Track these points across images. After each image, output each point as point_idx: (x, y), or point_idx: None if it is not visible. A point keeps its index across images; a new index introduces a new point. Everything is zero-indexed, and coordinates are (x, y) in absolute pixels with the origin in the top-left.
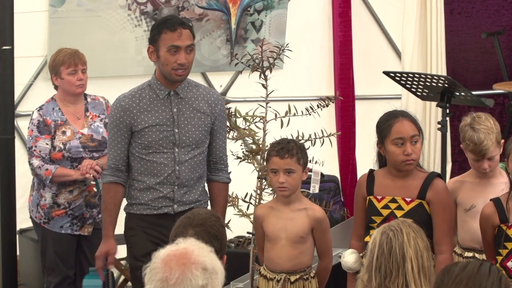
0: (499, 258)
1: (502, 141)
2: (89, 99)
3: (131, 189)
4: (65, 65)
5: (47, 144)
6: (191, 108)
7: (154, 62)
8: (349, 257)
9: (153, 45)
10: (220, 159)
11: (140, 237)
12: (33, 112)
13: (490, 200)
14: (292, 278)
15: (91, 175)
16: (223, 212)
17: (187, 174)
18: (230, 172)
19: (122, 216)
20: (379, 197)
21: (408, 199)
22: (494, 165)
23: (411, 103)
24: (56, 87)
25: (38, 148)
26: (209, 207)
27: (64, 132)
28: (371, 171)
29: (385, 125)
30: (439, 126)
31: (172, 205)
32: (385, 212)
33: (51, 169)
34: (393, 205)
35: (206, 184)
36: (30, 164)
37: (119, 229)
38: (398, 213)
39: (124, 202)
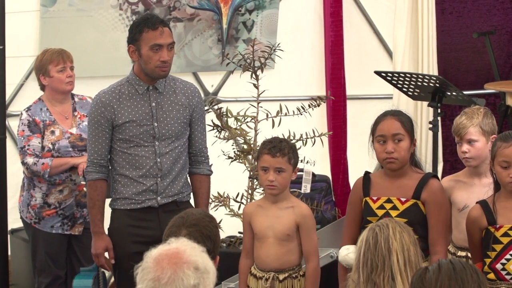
0: (488, 261)
1: (493, 136)
2: (76, 99)
3: (115, 184)
4: (54, 62)
5: (39, 142)
6: (169, 102)
7: (134, 61)
8: (353, 254)
9: (134, 44)
10: (200, 151)
11: (122, 237)
12: (21, 113)
13: (477, 202)
14: (281, 277)
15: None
16: (206, 205)
17: (169, 165)
18: (211, 165)
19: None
20: (374, 198)
21: (403, 199)
22: (474, 152)
23: (402, 103)
24: (42, 88)
25: (32, 146)
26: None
27: (53, 132)
28: (367, 173)
29: (374, 123)
30: (431, 125)
31: (156, 198)
32: (380, 213)
33: (47, 162)
34: (388, 205)
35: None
36: (25, 163)
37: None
38: (393, 213)
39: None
